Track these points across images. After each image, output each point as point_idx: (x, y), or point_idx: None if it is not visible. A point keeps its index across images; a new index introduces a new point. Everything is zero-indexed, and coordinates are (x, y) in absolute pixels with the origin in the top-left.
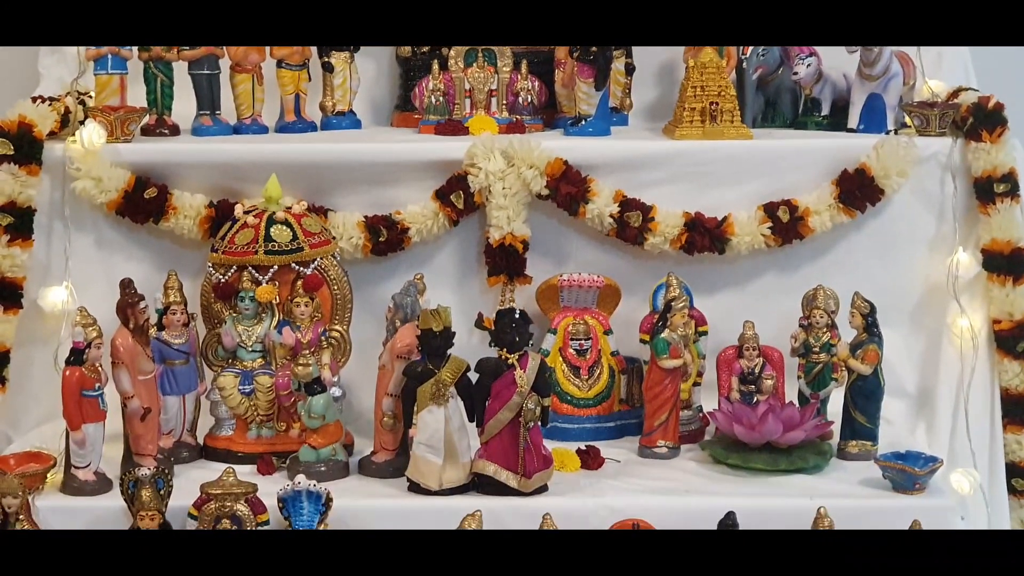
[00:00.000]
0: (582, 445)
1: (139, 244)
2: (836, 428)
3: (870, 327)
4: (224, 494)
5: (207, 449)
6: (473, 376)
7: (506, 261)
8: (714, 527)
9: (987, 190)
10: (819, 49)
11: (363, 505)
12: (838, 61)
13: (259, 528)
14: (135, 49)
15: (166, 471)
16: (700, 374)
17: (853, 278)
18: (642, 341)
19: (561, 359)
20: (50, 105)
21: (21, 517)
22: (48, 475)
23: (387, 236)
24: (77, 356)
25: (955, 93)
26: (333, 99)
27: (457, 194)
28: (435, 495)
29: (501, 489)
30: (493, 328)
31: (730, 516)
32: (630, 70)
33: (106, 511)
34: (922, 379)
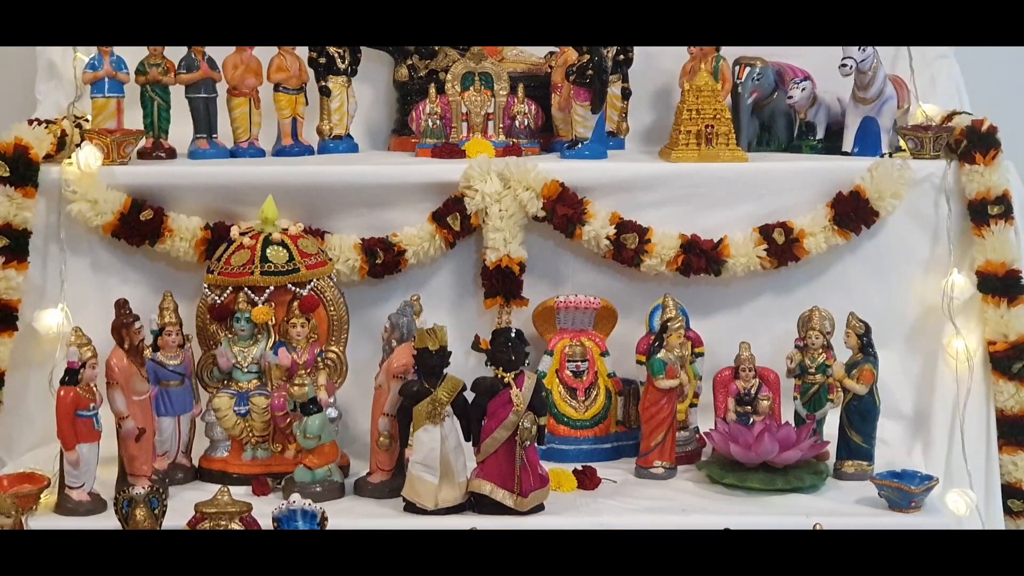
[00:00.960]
0: (578, 466)
1: (135, 267)
2: (832, 448)
3: (865, 347)
4: (218, 513)
5: (202, 471)
6: (469, 396)
7: (502, 283)
8: None
9: (981, 212)
10: (813, 73)
11: (358, 525)
12: (832, 85)
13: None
14: (132, 72)
15: (160, 490)
16: (696, 395)
17: (848, 299)
18: (639, 362)
19: (558, 381)
20: (46, 128)
21: None
22: (42, 495)
23: (383, 258)
24: (72, 376)
25: (949, 116)
26: (330, 123)
27: (453, 216)
28: (431, 515)
29: (497, 508)
30: (489, 348)
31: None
32: (626, 94)
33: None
34: (918, 400)
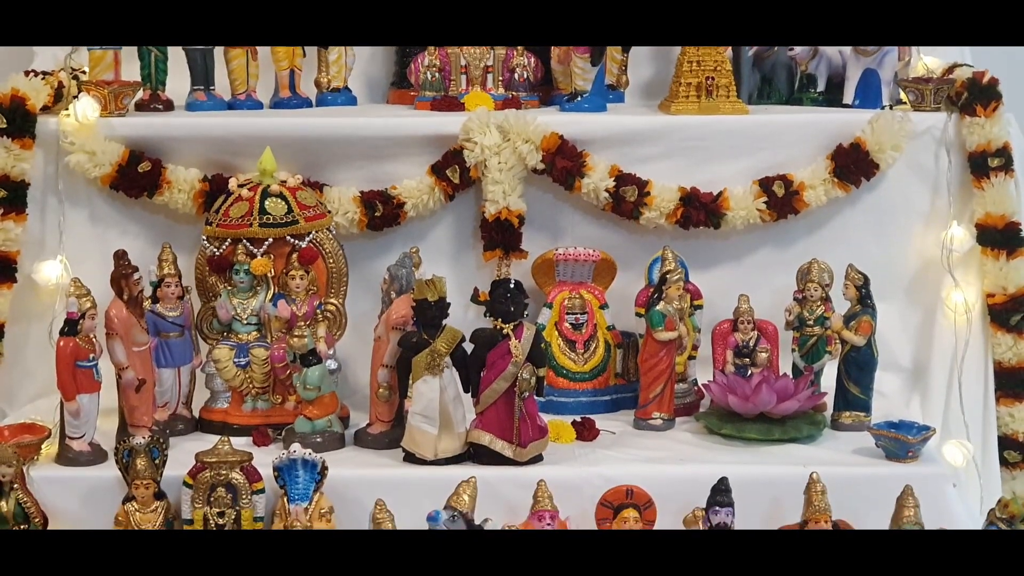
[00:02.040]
0: (577, 418)
1: (133, 219)
2: (830, 400)
3: (864, 299)
4: (219, 462)
5: (202, 422)
6: (468, 347)
7: (502, 235)
8: (707, 493)
9: (981, 164)
10: None
11: (358, 475)
12: None
13: (255, 494)
14: None
15: (161, 440)
16: (695, 348)
17: (848, 252)
18: (638, 315)
19: (557, 333)
20: (43, 79)
21: (16, 486)
22: (43, 446)
23: (383, 211)
24: (71, 326)
25: (950, 69)
26: (328, 75)
27: (453, 169)
28: (430, 465)
29: (496, 459)
30: (488, 299)
31: (723, 482)
32: (626, 47)
33: (101, 481)
34: (916, 353)
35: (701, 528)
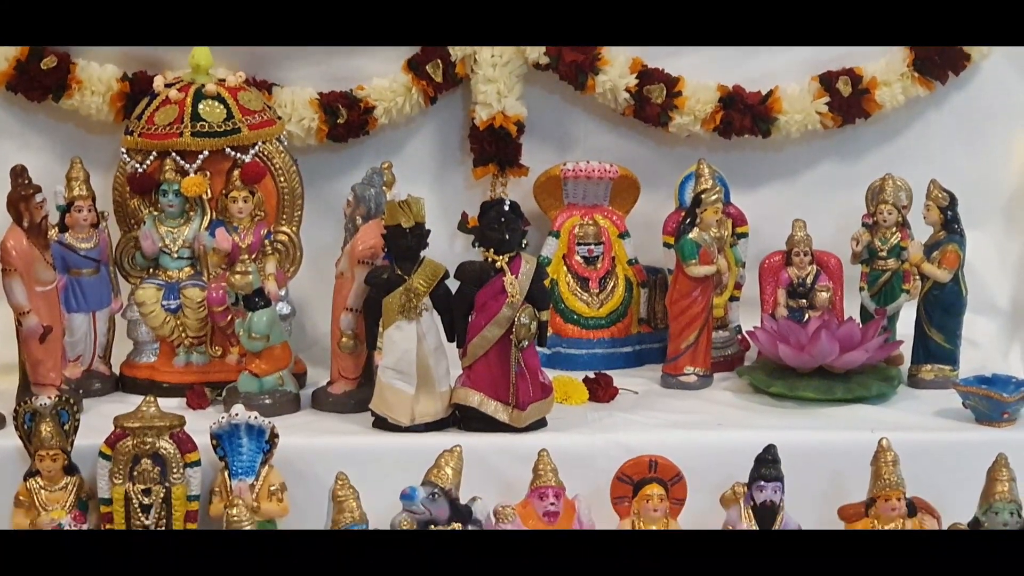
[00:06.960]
0: (591, 373)
1: (35, 127)
2: (907, 350)
3: (949, 223)
4: (143, 428)
5: (124, 379)
6: (453, 285)
7: (496, 147)
8: (750, 465)
9: None
10: None
11: (317, 445)
12: None
13: (188, 467)
14: None
15: (71, 401)
16: (738, 286)
17: (930, 166)
18: (666, 245)
19: (565, 268)
20: None
21: None
22: None
23: (347, 117)
24: None
25: None
26: None
27: (434, 64)
28: (406, 432)
29: (488, 424)
30: (477, 225)
31: (770, 450)
32: None
33: None
34: (1017, 291)
35: (742, 507)
